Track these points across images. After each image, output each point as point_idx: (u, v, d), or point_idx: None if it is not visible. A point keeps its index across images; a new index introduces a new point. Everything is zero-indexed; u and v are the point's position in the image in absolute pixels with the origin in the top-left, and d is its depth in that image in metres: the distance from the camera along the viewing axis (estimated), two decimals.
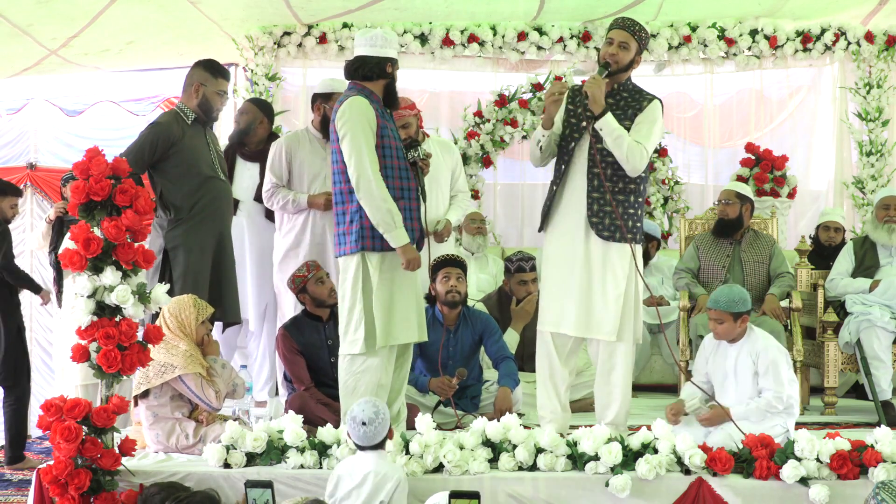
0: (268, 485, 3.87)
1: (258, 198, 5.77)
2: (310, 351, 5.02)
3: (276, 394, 5.75)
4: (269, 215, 5.75)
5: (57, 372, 6.47)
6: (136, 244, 4.13)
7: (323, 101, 5.52)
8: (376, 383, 4.47)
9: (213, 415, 4.49)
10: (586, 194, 4.61)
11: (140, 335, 4.15)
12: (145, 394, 4.43)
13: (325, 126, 5.43)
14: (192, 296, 4.58)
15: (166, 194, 5.05)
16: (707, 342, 4.65)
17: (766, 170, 7.52)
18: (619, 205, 4.59)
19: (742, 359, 4.46)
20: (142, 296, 4.12)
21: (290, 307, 5.48)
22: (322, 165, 5.45)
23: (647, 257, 6.75)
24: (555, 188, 4.71)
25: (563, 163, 4.69)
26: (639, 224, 4.67)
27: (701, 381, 4.62)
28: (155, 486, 3.94)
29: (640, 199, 4.66)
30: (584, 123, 4.58)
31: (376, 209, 4.38)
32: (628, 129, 4.55)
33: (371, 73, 4.51)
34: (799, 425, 4.48)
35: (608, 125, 4.51)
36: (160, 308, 4.32)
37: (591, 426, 4.21)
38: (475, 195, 7.66)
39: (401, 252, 4.41)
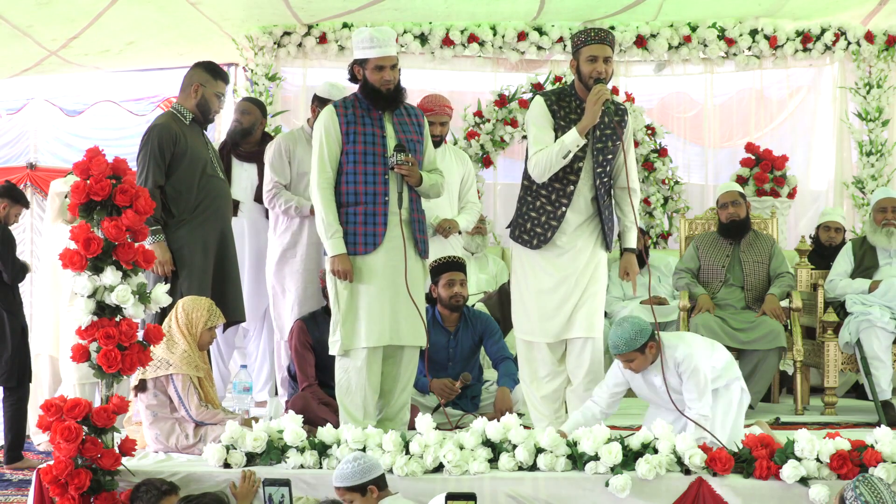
0: (285, 483, 3.88)
1: (258, 198, 5.78)
2: (321, 348, 5.00)
3: (276, 394, 5.75)
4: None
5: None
6: (136, 244, 4.13)
7: (318, 105, 5.50)
8: (364, 384, 4.52)
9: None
10: (598, 213, 4.68)
11: (140, 335, 4.15)
12: (143, 388, 4.43)
13: None
14: (210, 300, 4.60)
15: (170, 194, 5.04)
16: (624, 372, 4.41)
17: (766, 170, 7.52)
18: (612, 217, 4.76)
19: (669, 377, 4.34)
20: (142, 296, 4.12)
21: (287, 309, 5.47)
22: None
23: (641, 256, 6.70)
24: (564, 209, 4.63)
25: (570, 182, 4.62)
26: None
27: (616, 385, 4.45)
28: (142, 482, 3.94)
29: None
30: (613, 142, 4.62)
31: (318, 218, 4.57)
32: (622, 145, 4.62)
33: (351, 77, 4.66)
34: (799, 425, 4.48)
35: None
36: (161, 308, 4.32)
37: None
38: None
39: (331, 261, 4.53)
